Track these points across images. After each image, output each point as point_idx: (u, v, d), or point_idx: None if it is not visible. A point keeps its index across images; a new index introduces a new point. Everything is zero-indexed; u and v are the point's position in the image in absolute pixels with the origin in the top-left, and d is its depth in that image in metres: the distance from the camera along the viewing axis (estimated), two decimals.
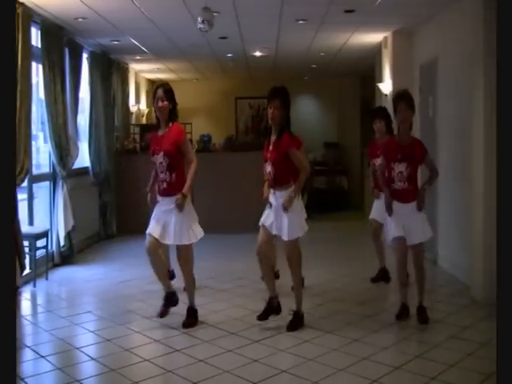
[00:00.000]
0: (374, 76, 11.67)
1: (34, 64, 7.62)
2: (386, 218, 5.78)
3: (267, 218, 5.50)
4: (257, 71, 14.21)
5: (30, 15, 7.15)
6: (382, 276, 7.11)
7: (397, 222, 5.60)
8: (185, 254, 5.58)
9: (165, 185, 5.47)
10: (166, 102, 5.48)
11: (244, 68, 13.61)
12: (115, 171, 10.65)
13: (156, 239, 5.40)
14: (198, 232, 5.54)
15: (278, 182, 5.41)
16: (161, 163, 5.45)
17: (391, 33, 9.41)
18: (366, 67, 12.82)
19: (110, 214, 10.35)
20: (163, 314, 5.60)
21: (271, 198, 5.48)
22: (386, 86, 9.78)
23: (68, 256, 8.38)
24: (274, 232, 5.46)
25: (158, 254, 5.48)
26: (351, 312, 5.94)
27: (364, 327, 5.49)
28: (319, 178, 13.89)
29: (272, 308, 5.57)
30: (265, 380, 4.33)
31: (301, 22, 8.51)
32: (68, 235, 8.29)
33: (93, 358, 4.89)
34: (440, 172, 8.00)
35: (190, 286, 5.69)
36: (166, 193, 5.46)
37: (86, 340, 5.36)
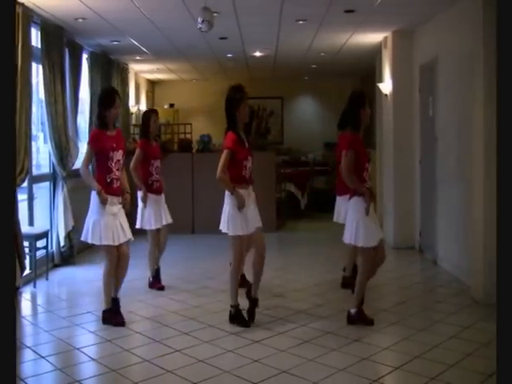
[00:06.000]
0: (374, 76, 11.67)
1: (33, 64, 7.63)
2: (360, 219, 5.43)
3: (245, 224, 5.51)
4: (257, 72, 14.21)
5: (30, 16, 7.15)
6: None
7: (376, 224, 5.55)
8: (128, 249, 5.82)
9: (118, 183, 5.68)
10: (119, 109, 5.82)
11: (244, 68, 13.61)
12: None
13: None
14: None
15: (252, 178, 5.68)
16: (118, 161, 5.66)
17: (391, 33, 9.41)
18: (366, 67, 12.82)
19: None
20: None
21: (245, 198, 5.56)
22: (386, 86, 9.78)
23: (68, 256, 8.39)
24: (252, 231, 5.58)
25: None
26: None
27: (364, 327, 5.48)
28: (319, 178, 13.88)
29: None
30: (265, 380, 4.33)
31: (301, 22, 8.51)
32: (68, 235, 8.29)
33: (93, 359, 4.90)
34: (439, 172, 8.07)
35: None
36: (118, 191, 5.68)
37: (86, 340, 5.36)
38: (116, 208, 5.61)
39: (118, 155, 5.64)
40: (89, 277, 7.68)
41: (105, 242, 5.52)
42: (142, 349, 5.10)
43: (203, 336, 5.31)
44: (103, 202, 5.52)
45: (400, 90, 9.40)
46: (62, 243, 8.23)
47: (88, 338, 5.43)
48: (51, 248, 8.01)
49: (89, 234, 5.55)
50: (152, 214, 6.92)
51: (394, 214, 9.40)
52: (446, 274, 7.62)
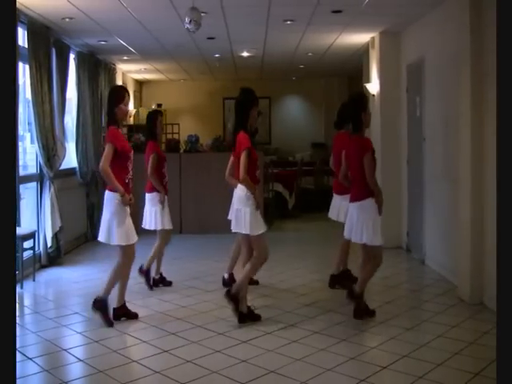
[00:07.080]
0: (361, 76, 11.70)
1: (20, 64, 7.59)
2: (376, 218, 5.69)
3: (264, 222, 5.62)
4: (244, 72, 14.22)
5: (17, 15, 7.11)
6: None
7: None
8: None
9: (132, 183, 5.64)
10: None
11: (232, 68, 13.61)
12: None
13: None
14: None
15: None
16: (132, 160, 5.65)
17: (378, 33, 9.44)
18: (353, 67, 12.86)
19: (97, 214, 10.29)
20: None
21: None
22: (374, 87, 9.81)
23: (55, 257, 8.35)
24: None
25: None
26: (339, 312, 5.94)
27: (352, 327, 5.50)
28: (307, 178, 13.90)
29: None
30: (253, 380, 4.33)
31: (288, 22, 8.52)
32: (55, 236, 8.25)
33: (80, 360, 4.88)
34: (427, 172, 8.11)
35: None
36: (131, 191, 5.65)
37: (74, 341, 5.34)
38: (129, 209, 5.60)
39: (132, 155, 5.64)
40: (76, 278, 7.65)
41: (131, 242, 5.54)
42: (129, 350, 5.09)
43: (191, 336, 5.30)
44: (126, 204, 5.49)
45: (387, 91, 9.43)
46: (49, 244, 8.18)
47: (75, 338, 5.41)
48: (38, 249, 7.97)
49: (113, 235, 5.46)
50: (167, 214, 6.94)
51: (382, 214, 9.40)
52: (433, 273, 7.65)
